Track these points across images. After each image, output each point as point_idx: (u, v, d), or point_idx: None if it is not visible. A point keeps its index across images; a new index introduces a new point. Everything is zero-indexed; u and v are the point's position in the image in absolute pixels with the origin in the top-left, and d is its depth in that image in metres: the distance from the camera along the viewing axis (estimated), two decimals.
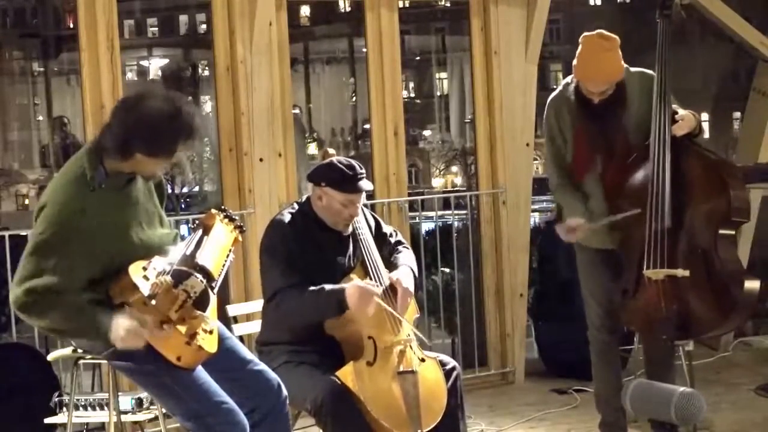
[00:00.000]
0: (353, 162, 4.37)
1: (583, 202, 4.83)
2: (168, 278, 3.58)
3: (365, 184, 4.34)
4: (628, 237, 4.75)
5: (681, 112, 4.67)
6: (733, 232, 4.67)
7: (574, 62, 4.72)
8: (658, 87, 4.66)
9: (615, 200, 4.76)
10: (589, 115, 4.74)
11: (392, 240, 4.60)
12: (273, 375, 3.89)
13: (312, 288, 4.19)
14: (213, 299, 3.70)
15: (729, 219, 4.62)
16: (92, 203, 3.53)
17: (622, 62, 4.69)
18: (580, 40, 4.72)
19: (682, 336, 4.61)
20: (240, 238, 3.97)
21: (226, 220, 3.93)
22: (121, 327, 3.50)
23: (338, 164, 4.33)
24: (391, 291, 4.34)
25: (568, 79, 4.84)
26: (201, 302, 3.63)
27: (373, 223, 4.57)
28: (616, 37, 4.70)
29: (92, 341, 3.66)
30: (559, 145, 4.89)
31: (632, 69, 4.78)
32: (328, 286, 4.19)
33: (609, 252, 4.88)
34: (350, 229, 4.42)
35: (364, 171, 4.37)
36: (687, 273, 4.54)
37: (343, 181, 4.29)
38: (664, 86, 4.65)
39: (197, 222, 3.89)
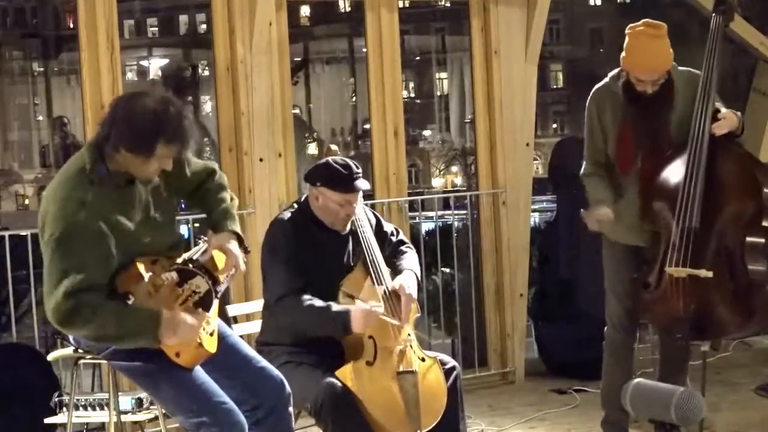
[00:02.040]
0: (349, 161, 4.36)
1: (610, 190, 4.77)
2: (174, 275, 3.61)
3: (361, 184, 4.33)
4: (656, 232, 4.67)
5: (723, 110, 4.59)
6: (762, 240, 4.55)
7: (623, 54, 4.64)
8: (703, 84, 4.57)
9: (647, 196, 4.69)
10: (637, 111, 4.66)
11: (394, 239, 4.60)
12: (276, 372, 3.88)
13: (318, 304, 4.18)
14: (215, 303, 3.72)
15: (759, 224, 4.53)
16: (91, 196, 3.53)
17: (671, 50, 4.62)
18: (626, 31, 4.65)
19: (698, 336, 4.55)
20: (245, 259, 3.99)
21: None
22: (174, 322, 3.49)
23: (334, 164, 4.33)
24: (394, 297, 4.34)
25: (615, 72, 4.76)
26: (204, 303, 3.65)
27: (374, 221, 4.56)
28: (663, 24, 4.63)
29: (144, 342, 3.57)
30: (596, 138, 4.82)
31: (680, 68, 4.72)
32: (335, 307, 4.19)
33: (637, 249, 4.81)
34: (348, 227, 4.42)
35: (360, 170, 4.36)
36: (710, 274, 4.46)
37: (339, 180, 4.29)
38: (709, 83, 4.57)
39: (205, 238, 3.89)
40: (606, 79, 4.82)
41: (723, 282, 4.51)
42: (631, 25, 4.68)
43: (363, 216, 4.49)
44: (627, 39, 4.66)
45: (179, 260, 3.71)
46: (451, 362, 4.41)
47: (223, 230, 3.81)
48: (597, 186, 4.82)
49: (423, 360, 4.30)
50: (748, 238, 4.53)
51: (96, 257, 3.50)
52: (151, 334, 3.50)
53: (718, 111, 4.59)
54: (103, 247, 3.52)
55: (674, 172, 4.62)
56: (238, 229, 3.84)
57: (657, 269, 4.64)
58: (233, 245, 3.78)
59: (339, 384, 4.09)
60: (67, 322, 3.49)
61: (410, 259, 4.52)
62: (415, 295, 4.37)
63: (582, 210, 4.80)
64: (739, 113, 4.64)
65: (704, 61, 4.61)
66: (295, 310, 4.20)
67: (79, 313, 3.45)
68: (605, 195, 4.76)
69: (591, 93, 4.85)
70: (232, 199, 3.92)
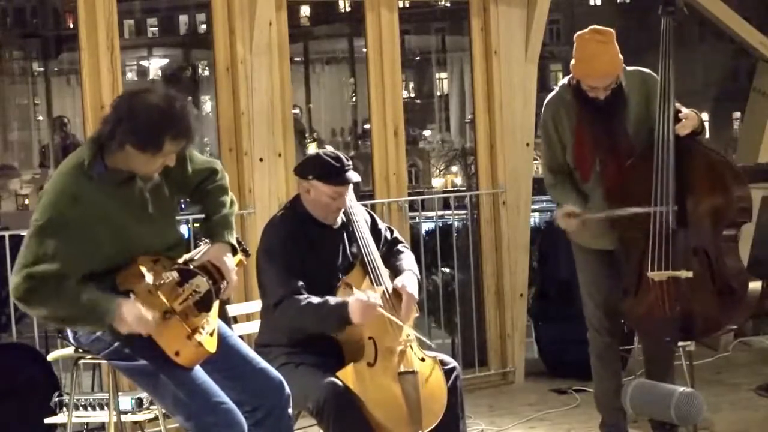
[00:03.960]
0: (339, 154, 4.37)
1: (577, 194, 4.82)
2: (175, 274, 3.62)
3: (353, 176, 4.32)
4: (628, 237, 4.74)
5: (684, 111, 4.64)
6: (735, 233, 4.65)
7: (572, 62, 4.70)
8: (662, 86, 4.62)
9: (616, 201, 4.74)
10: (591, 115, 4.71)
11: (388, 236, 4.59)
12: (275, 373, 3.88)
13: (315, 301, 4.18)
14: (216, 303, 3.72)
15: (732, 219, 4.60)
16: (87, 192, 3.54)
17: (620, 55, 4.67)
18: (574, 39, 4.70)
19: (684, 337, 4.58)
20: (245, 261, 3.99)
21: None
22: (130, 313, 3.50)
23: (325, 156, 4.33)
24: (395, 296, 4.34)
25: (565, 80, 4.82)
26: (204, 303, 3.65)
27: (368, 219, 4.56)
28: (611, 30, 4.68)
29: (94, 328, 3.62)
30: (554, 148, 4.87)
31: (629, 68, 4.77)
32: (331, 300, 4.18)
33: (608, 253, 4.87)
34: (340, 221, 4.41)
35: (350, 162, 4.36)
36: (690, 274, 4.51)
37: (331, 173, 4.29)
38: (667, 85, 4.61)
39: (206, 240, 3.88)
40: (557, 89, 4.87)
41: (704, 280, 4.56)
42: (579, 32, 4.72)
43: (360, 214, 4.49)
44: (575, 46, 4.70)
45: (180, 260, 3.71)
46: (452, 362, 4.41)
47: (220, 241, 3.81)
48: (564, 191, 4.87)
49: (423, 360, 4.30)
50: (724, 232, 4.60)
51: (75, 253, 3.51)
52: (104, 320, 3.53)
53: (679, 111, 4.63)
54: (88, 244, 3.53)
55: (642, 177, 4.66)
56: (233, 240, 3.85)
57: (635, 275, 4.67)
58: (228, 258, 3.79)
59: (341, 383, 4.09)
60: (23, 300, 3.53)
61: (409, 260, 4.52)
62: (416, 295, 4.37)
63: (555, 213, 4.85)
64: (698, 112, 4.68)
65: (660, 64, 4.66)
66: (293, 311, 4.20)
67: (35, 294, 3.49)
68: (572, 197, 4.81)
69: (544, 104, 4.90)
70: (232, 203, 3.92)
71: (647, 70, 4.75)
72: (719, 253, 4.57)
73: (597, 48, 4.63)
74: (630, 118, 4.74)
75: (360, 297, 4.16)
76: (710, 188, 4.61)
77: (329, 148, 4.57)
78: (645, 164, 4.65)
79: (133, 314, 3.51)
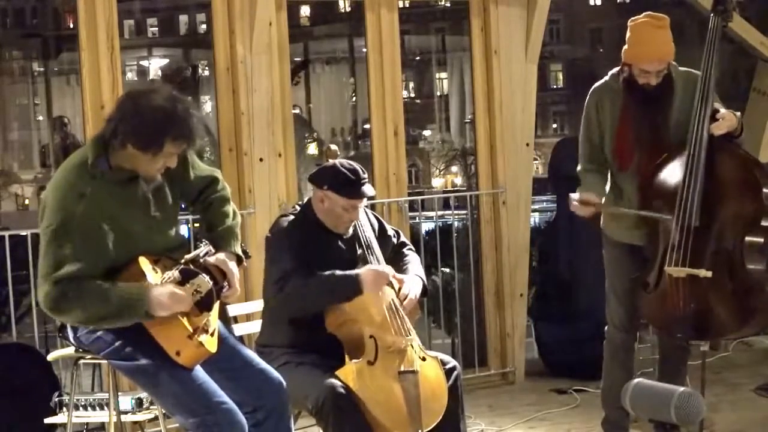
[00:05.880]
0: (356, 166, 4.35)
1: (604, 186, 4.79)
2: (176, 273, 3.62)
3: (368, 190, 4.33)
4: (655, 231, 4.70)
5: (722, 111, 4.60)
6: (761, 240, 4.55)
7: (625, 48, 4.66)
8: (702, 84, 4.58)
9: (646, 193, 4.70)
10: (637, 106, 4.68)
11: (395, 242, 4.61)
12: (275, 374, 3.89)
13: (324, 273, 4.19)
14: (217, 303, 3.72)
15: (758, 224, 4.54)
16: (92, 189, 3.55)
17: (672, 42, 4.64)
18: (628, 24, 4.68)
19: (697, 336, 4.56)
20: (245, 264, 3.99)
21: None
22: (163, 294, 3.52)
23: (342, 168, 4.31)
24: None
25: (615, 70, 4.78)
26: (206, 303, 3.65)
27: (376, 224, 4.57)
28: (665, 16, 4.66)
29: (132, 320, 3.59)
30: (593, 135, 4.84)
31: (680, 68, 4.74)
32: (339, 272, 4.20)
33: (636, 248, 4.84)
34: (351, 231, 4.42)
35: (366, 175, 4.36)
36: (709, 274, 4.46)
37: (347, 186, 4.29)
38: (707, 83, 4.58)
39: (206, 241, 3.89)
40: (606, 78, 4.84)
41: (722, 282, 4.51)
42: (633, 18, 4.70)
43: (363, 217, 4.49)
44: (629, 32, 4.67)
45: (182, 261, 3.71)
46: (452, 362, 4.41)
47: (226, 251, 3.83)
48: (592, 181, 4.83)
49: (424, 360, 4.30)
50: (748, 238, 4.54)
51: (91, 250, 3.52)
52: (139, 308, 3.52)
53: (717, 111, 4.59)
54: (99, 241, 3.54)
55: (673, 172, 4.63)
56: (239, 250, 3.87)
57: (656, 269, 4.65)
58: (233, 266, 3.81)
59: (340, 383, 4.10)
60: (56, 308, 3.53)
61: (416, 264, 4.54)
62: (416, 290, 4.38)
63: (570, 195, 4.81)
64: (738, 114, 4.65)
65: (703, 62, 4.63)
66: (300, 287, 4.18)
67: (66, 298, 3.49)
68: (596, 186, 4.78)
69: (591, 90, 4.87)
70: (235, 214, 3.94)
71: (696, 72, 4.68)
72: (742, 258, 4.51)
73: (651, 32, 4.61)
74: (673, 117, 4.69)
75: (372, 267, 4.20)
76: (739, 190, 4.56)
77: (349, 156, 4.58)
78: (677, 161, 4.61)
79: (167, 295, 3.53)
